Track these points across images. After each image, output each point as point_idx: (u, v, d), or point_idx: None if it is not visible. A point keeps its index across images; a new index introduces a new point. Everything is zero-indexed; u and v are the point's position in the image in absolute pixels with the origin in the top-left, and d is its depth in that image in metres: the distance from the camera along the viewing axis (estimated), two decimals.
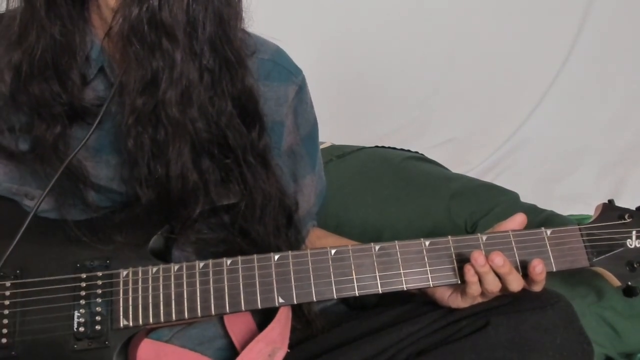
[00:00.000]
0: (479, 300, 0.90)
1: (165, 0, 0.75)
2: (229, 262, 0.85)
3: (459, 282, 0.87)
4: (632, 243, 0.90)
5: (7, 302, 0.83)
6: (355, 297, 0.87)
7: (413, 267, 0.87)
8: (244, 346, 0.92)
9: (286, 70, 0.97)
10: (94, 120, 0.82)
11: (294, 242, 0.94)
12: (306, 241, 1.03)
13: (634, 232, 0.90)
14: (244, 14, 0.84)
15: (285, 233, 0.93)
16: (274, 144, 0.93)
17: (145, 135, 0.80)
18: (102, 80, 0.87)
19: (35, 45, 0.79)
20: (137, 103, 0.78)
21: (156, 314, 0.83)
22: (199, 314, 0.84)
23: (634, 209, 0.93)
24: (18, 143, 0.85)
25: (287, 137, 0.98)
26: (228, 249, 0.90)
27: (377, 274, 0.86)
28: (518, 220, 0.91)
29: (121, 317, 0.83)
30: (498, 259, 0.84)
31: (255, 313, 0.97)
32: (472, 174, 2.04)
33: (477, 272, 0.85)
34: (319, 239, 1.08)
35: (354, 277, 0.86)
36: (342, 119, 2.21)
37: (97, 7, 0.82)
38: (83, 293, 0.84)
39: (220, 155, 0.86)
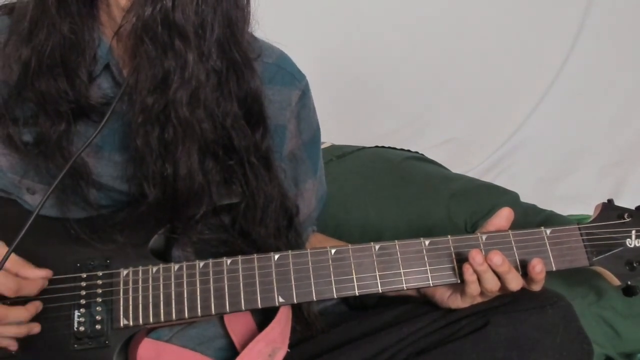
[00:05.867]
0: (479, 300, 0.90)
1: (178, 1, 0.75)
2: (229, 261, 0.85)
3: (459, 281, 0.87)
4: (632, 242, 0.90)
5: (7, 302, 0.83)
6: (355, 297, 0.87)
7: (413, 267, 0.87)
8: (244, 346, 0.92)
9: (290, 74, 0.97)
10: (99, 118, 0.82)
11: (294, 244, 0.94)
12: (306, 245, 1.03)
13: (633, 232, 0.90)
14: (251, 18, 0.85)
15: (286, 235, 0.94)
16: (275, 147, 0.93)
17: (153, 134, 0.80)
18: (107, 78, 0.87)
19: (45, 42, 0.80)
20: (147, 102, 0.78)
21: (156, 314, 0.83)
22: (199, 314, 0.84)
23: (633, 208, 0.93)
24: (22, 135, 0.85)
25: (289, 141, 0.98)
26: (229, 249, 0.90)
27: (377, 273, 0.86)
28: (504, 215, 0.91)
29: (121, 316, 0.83)
30: (496, 258, 0.84)
31: (255, 313, 0.97)
32: (472, 174, 2.04)
33: (475, 271, 0.85)
34: (319, 243, 1.08)
35: (354, 276, 0.86)
36: (342, 119, 2.20)
37: (106, 6, 0.83)
38: (83, 293, 0.84)
39: (225, 157, 0.86)
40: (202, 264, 0.85)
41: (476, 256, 0.84)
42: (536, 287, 0.88)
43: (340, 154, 1.61)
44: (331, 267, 0.86)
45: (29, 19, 0.81)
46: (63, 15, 0.80)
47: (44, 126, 0.83)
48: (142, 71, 0.78)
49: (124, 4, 0.78)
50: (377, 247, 0.87)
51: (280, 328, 0.94)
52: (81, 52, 0.82)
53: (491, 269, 0.85)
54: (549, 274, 0.87)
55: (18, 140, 0.85)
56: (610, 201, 0.94)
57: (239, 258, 0.85)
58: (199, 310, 0.83)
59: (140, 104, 0.79)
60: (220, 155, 0.85)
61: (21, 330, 0.81)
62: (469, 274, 0.85)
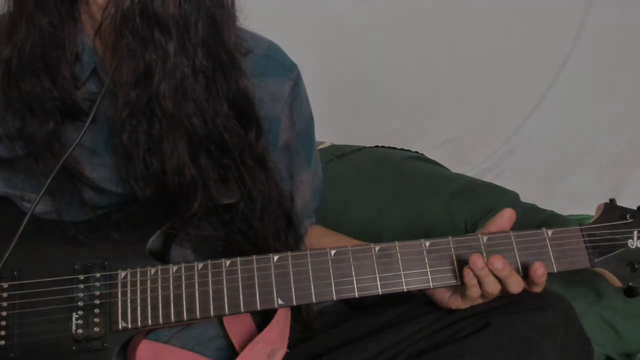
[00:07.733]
0: (479, 301, 0.90)
1: None
2: (227, 263, 0.85)
3: (459, 283, 0.87)
4: (634, 243, 0.89)
5: (4, 304, 0.83)
6: (355, 297, 0.87)
7: (413, 268, 0.87)
8: (243, 346, 0.92)
9: (281, 64, 0.96)
10: (88, 119, 0.81)
11: (294, 245, 0.94)
12: (305, 239, 1.02)
13: (635, 232, 0.90)
14: (238, 14, 0.84)
15: (285, 236, 0.93)
16: (271, 141, 0.92)
17: (139, 128, 0.80)
18: (95, 82, 0.86)
19: (25, 39, 0.79)
20: (131, 96, 0.78)
21: (155, 316, 0.83)
22: (198, 316, 0.83)
23: (635, 208, 0.92)
24: (13, 148, 0.85)
25: (283, 133, 0.97)
26: (227, 247, 0.90)
27: (377, 275, 0.86)
28: (506, 216, 0.91)
29: (120, 318, 0.83)
30: (498, 263, 0.84)
31: (255, 313, 0.97)
32: (472, 174, 2.04)
33: (476, 275, 0.84)
34: (317, 238, 1.08)
35: (354, 278, 0.85)
36: (342, 119, 2.20)
37: (85, 5, 0.82)
38: (81, 294, 0.84)
39: (219, 154, 0.85)
40: (200, 265, 0.84)
41: (477, 261, 0.84)
42: (537, 289, 0.88)
43: (340, 153, 1.60)
44: (331, 268, 0.85)
45: (8, 16, 0.81)
46: (41, 11, 0.80)
47: (32, 126, 0.82)
48: (124, 65, 0.78)
49: (102, 2, 0.78)
50: (377, 248, 0.87)
51: (279, 328, 0.93)
52: (62, 49, 0.82)
53: (492, 273, 0.84)
54: (550, 274, 0.87)
55: (10, 154, 0.84)
56: (612, 201, 0.93)
57: (238, 259, 0.85)
58: (198, 312, 0.83)
59: (124, 98, 0.79)
60: (213, 151, 0.85)
61: None
62: (469, 278, 0.85)
